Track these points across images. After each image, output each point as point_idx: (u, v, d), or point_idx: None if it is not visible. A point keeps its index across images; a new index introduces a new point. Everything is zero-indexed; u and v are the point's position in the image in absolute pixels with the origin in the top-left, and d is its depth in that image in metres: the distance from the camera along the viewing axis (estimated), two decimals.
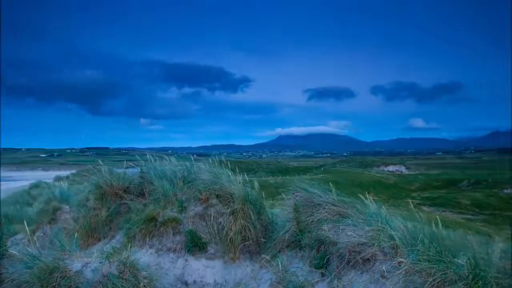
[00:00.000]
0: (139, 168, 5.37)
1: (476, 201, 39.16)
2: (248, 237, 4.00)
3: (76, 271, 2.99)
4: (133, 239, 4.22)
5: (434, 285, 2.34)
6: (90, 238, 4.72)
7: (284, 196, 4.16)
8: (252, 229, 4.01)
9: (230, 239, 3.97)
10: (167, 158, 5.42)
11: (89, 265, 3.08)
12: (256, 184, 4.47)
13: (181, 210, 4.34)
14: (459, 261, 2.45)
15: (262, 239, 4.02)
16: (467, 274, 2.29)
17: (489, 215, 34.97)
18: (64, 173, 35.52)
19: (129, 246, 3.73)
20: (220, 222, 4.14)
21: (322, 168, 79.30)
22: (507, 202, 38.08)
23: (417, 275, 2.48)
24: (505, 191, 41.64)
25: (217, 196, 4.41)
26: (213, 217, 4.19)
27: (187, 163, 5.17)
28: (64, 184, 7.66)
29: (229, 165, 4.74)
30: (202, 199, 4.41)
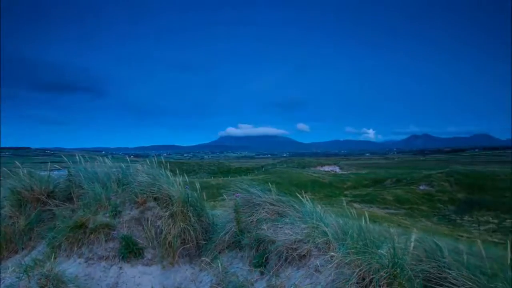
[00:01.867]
0: (66, 170, 4.87)
1: (398, 197, 44.03)
2: (188, 240, 3.90)
3: None
4: (58, 248, 3.81)
5: (360, 275, 2.53)
6: (5, 251, 4.13)
7: (225, 197, 4.16)
8: (192, 232, 3.92)
9: (168, 243, 3.82)
10: (100, 159, 5.01)
11: (2, 281, 2.71)
12: (197, 185, 4.39)
13: (115, 215, 4.06)
14: (382, 251, 2.70)
15: (202, 241, 3.96)
16: (387, 263, 2.54)
17: (408, 209, 39.59)
18: None
19: (53, 257, 3.37)
20: (158, 226, 3.97)
21: (263, 169, 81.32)
22: (422, 197, 43.56)
23: (347, 267, 2.66)
24: (420, 187, 47.61)
25: (155, 199, 4.22)
26: (151, 220, 3.99)
27: (122, 164, 4.85)
28: None
29: (169, 166, 4.57)
30: (138, 202, 4.18)
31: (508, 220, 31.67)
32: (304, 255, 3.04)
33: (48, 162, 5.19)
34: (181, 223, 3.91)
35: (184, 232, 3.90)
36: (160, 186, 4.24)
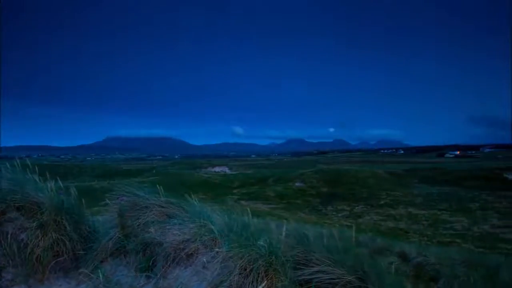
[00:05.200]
0: None
1: (279, 193, 48.89)
2: (63, 251, 3.45)
3: None
4: None
5: (242, 266, 2.80)
6: None
7: (109, 202, 3.87)
8: (67, 242, 3.48)
9: (36, 258, 3.29)
10: None
11: None
12: (73, 190, 3.93)
13: None
14: (261, 242, 3.07)
15: (81, 252, 3.58)
16: (265, 252, 2.88)
17: (286, 203, 44.34)
18: None
19: None
20: (23, 239, 3.37)
21: (154, 171, 77.71)
22: (297, 192, 49.62)
23: (231, 260, 2.90)
24: (296, 184, 54.10)
25: (18, 209, 3.55)
26: (12, 234, 3.35)
27: None
28: None
29: (38, 170, 3.91)
30: None
31: (357, 208, 39.39)
32: (191, 253, 3.18)
33: None
34: (54, 234, 3.43)
35: (58, 244, 3.43)
36: (26, 193, 3.59)
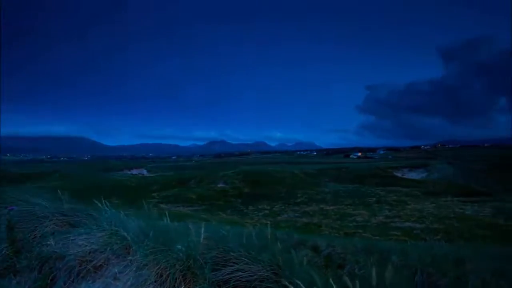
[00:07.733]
0: None
1: (200, 195, 48.19)
2: None
3: None
4: None
5: (159, 272, 2.71)
6: None
7: None
8: None
9: None
10: None
11: None
12: None
13: None
14: (179, 246, 2.99)
15: None
16: (182, 256, 2.83)
17: (209, 205, 43.98)
18: None
19: None
20: None
21: (57, 174, 68.42)
22: (219, 193, 49.73)
23: (146, 268, 2.77)
24: (219, 185, 54.21)
25: None
26: None
27: None
28: None
29: None
30: None
31: (277, 206, 41.51)
32: (100, 265, 2.90)
33: None
34: None
35: None
36: None
